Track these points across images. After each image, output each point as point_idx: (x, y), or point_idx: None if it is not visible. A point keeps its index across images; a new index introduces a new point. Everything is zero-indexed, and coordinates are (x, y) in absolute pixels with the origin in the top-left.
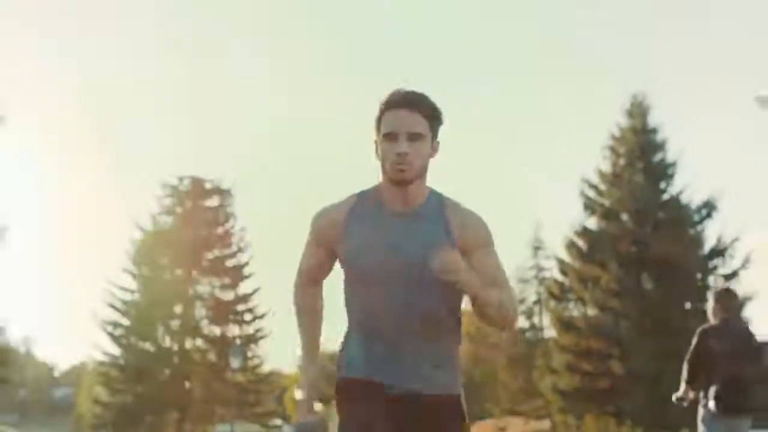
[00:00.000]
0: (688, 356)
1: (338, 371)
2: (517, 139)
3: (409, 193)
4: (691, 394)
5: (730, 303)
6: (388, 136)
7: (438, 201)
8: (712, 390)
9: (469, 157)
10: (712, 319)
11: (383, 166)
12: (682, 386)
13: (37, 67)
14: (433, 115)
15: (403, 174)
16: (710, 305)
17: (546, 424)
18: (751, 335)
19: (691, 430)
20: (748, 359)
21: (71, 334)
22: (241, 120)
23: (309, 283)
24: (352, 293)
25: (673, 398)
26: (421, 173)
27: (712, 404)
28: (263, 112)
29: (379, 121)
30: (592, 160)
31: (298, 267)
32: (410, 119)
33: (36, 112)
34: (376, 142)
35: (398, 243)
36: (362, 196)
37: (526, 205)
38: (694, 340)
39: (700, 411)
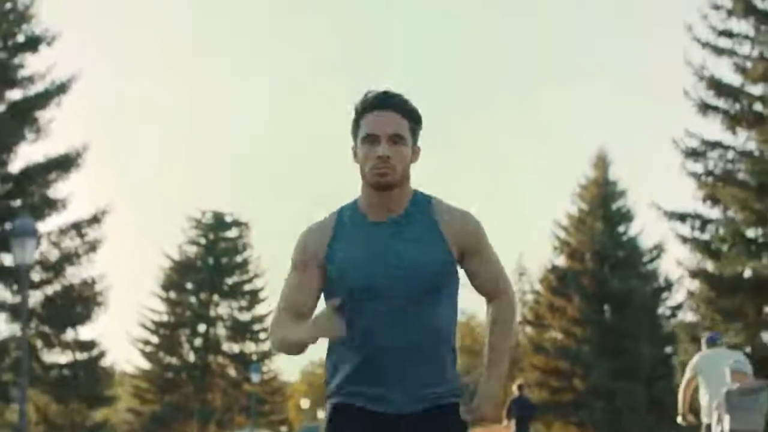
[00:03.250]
0: (505, 408)
1: (329, 389)
2: (507, 171)
3: (393, 199)
4: (509, 423)
5: (523, 390)
6: (368, 139)
7: (425, 202)
8: (514, 421)
9: (460, 179)
10: (516, 393)
11: (363, 172)
12: (505, 421)
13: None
14: (413, 117)
15: (385, 178)
16: (515, 388)
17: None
18: (529, 402)
19: None
20: (527, 410)
21: None
22: (259, 159)
23: (292, 317)
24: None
25: (503, 423)
26: (403, 178)
27: (514, 427)
28: (277, 148)
29: (356, 124)
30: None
31: (278, 305)
32: (391, 121)
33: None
34: (353, 147)
35: (386, 253)
36: (343, 210)
37: (513, 234)
38: (508, 402)
39: (511, 428)
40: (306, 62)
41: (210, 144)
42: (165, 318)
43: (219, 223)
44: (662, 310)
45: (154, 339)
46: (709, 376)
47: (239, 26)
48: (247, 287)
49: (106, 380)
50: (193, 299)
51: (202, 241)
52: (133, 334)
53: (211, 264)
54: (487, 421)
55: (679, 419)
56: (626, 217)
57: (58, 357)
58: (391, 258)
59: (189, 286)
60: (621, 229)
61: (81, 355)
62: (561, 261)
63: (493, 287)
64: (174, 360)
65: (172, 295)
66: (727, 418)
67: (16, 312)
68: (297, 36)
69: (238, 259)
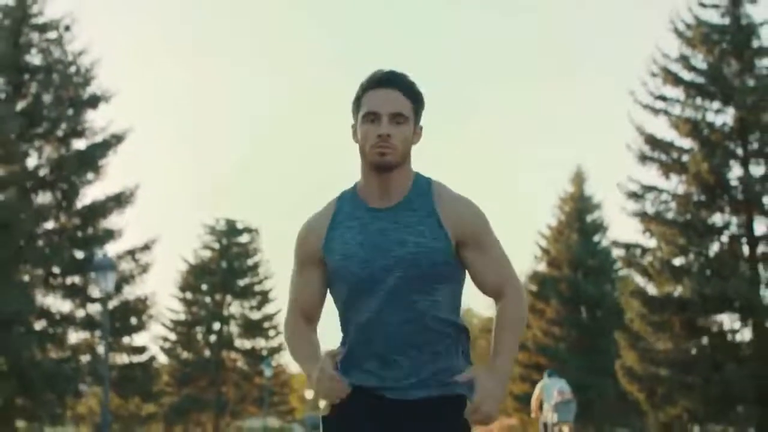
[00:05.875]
0: None
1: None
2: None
3: (392, 181)
4: None
5: None
6: (369, 117)
7: (425, 188)
8: None
9: (454, 178)
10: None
11: (362, 151)
12: None
13: None
14: (416, 97)
15: (384, 158)
16: None
17: (514, 420)
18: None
19: (611, 424)
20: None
21: None
22: (266, 168)
23: (302, 318)
24: (341, 308)
25: None
26: (404, 159)
27: None
28: (283, 156)
29: (358, 101)
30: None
31: (288, 305)
32: (393, 99)
33: None
34: (353, 126)
35: (383, 243)
36: (342, 198)
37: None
38: None
39: None
40: (309, 65)
41: (220, 158)
42: (182, 317)
43: (231, 229)
44: None
45: (172, 336)
46: (547, 393)
47: (238, 40)
48: (257, 288)
49: (157, 378)
50: (207, 299)
51: (216, 246)
52: (153, 332)
53: (224, 267)
54: (488, 422)
55: (533, 415)
56: (600, 228)
57: (117, 359)
58: (390, 247)
59: (204, 287)
60: (596, 239)
61: (136, 358)
62: (542, 267)
63: (496, 285)
64: (191, 355)
65: (189, 295)
66: (555, 415)
67: (83, 323)
68: (298, 37)
69: (249, 262)
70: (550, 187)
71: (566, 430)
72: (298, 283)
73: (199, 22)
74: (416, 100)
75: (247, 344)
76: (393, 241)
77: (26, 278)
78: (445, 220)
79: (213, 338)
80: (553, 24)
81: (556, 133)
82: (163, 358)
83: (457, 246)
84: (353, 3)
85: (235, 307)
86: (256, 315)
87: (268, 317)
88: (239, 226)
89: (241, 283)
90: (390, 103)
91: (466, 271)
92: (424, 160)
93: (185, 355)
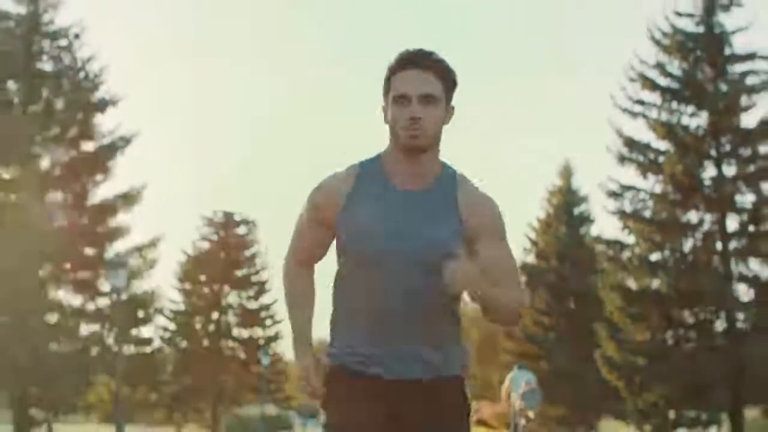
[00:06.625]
0: None
1: (330, 357)
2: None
3: (422, 164)
4: None
5: None
6: (399, 99)
7: (451, 179)
8: None
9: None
10: None
11: (393, 133)
12: None
13: None
14: (447, 77)
15: (416, 141)
16: None
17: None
18: None
19: (599, 411)
20: None
21: None
22: (264, 161)
23: (301, 265)
24: (349, 278)
25: None
26: (435, 141)
27: None
28: (280, 149)
29: (388, 82)
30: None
31: (290, 246)
32: (423, 80)
33: None
34: (384, 107)
35: (401, 226)
36: (366, 168)
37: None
38: None
39: None
40: (309, 65)
41: (220, 152)
42: (182, 307)
43: (229, 221)
44: None
45: (172, 326)
46: (516, 384)
47: (236, 31)
48: (254, 279)
49: (162, 368)
50: (206, 290)
51: (215, 237)
52: (155, 322)
53: (222, 258)
54: (454, 286)
55: (503, 404)
56: (587, 220)
57: (125, 350)
58: (407, 232)
59: (203, 278)
60: (582, 231)
61: (142, 349)
62: (530, 259)
63: (492, 279)
64: (190, 345)
65: (188, 286)
66: (522, 403)
67: (93, 317)
68: (296, 33)
69: (247, 253)
70: (539, 180)
71: (531, 415)
72: (306, 237)
73: (199, 23)
74: (447, 79)
75: (244, 333)
76: (411, 227)
77: (41, 274)
78: (464, 212)
79: (211, 328)
80: (550, 20)
81: (546, 128)
82: (164, 347)
83: (471, 240)
84: (353, 3)
85: (232, 297)
86: (253, 305)
87: (265, 307)
88: (237, 218)
89: (239, 273)
90: (420, 85)
91: None
92: None
93: (184, 344)
